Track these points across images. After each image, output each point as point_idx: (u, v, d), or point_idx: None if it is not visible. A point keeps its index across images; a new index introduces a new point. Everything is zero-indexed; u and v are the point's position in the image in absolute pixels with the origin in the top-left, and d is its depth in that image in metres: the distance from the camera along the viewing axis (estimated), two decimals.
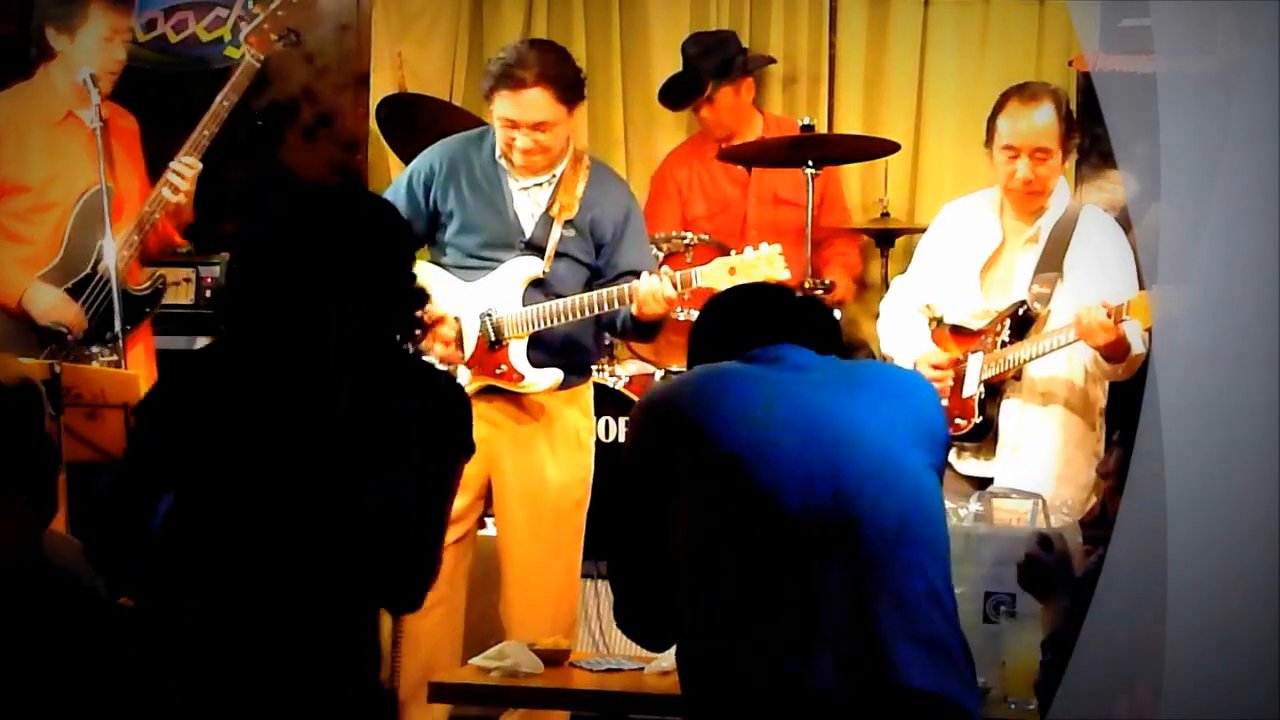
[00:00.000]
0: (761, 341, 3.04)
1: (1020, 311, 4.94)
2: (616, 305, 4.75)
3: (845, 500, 2.85)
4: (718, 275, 4.74)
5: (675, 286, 4.70)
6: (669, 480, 2.90)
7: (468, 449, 3.08)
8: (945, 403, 4.80)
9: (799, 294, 3.27)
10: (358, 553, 2.94)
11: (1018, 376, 4.95)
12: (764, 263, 4.74)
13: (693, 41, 6.54)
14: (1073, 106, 5.03)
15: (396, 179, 5.04)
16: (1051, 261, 4.95)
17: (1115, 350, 4.73)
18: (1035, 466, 4.87)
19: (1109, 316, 4.63)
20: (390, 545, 2.95)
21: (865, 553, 2.84)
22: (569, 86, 4.76)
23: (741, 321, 3.11)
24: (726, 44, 6.51)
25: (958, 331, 5.06)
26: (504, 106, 4.75)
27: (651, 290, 4.68)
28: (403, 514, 2.94)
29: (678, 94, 6.55)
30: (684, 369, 5.79)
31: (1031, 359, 4.89)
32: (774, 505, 2.84)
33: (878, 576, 2.84)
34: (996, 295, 5.03)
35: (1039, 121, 4.88)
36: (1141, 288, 4.77)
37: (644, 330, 4.93)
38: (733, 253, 4.87)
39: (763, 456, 2.85)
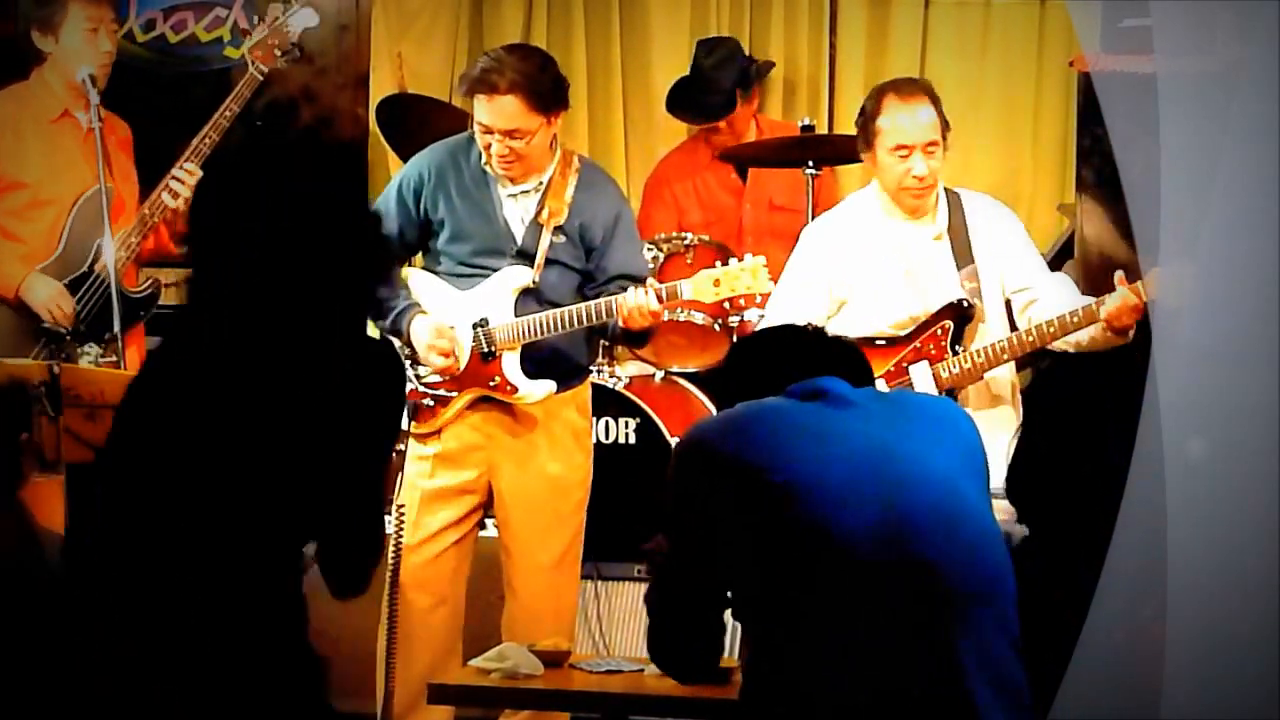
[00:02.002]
0: (797, 376, 3.01)
1: (960, 310, 4.87)
2: (604, 316, 4.74)
3: (911, 538, 2.83)
4: (703, 287, 4.73)
5: (660, 299, 4.69)
6: (716, 518, 2.87)
7: (393, 422, 3.03)
8: None
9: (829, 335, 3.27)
10: (291, 520, 2.91)
11: (980, 377, 4.88)
12: (748, 274, 4.73)
13: (705, 52, 6.48)
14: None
15: (387, 187, 5.03)
16: (964, 255, 4.92)
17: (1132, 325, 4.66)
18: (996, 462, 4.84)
19: (1135, 297, 4.58)
20: (331, 525, 2.93)
21: (936, 590, 2.82)
22: (545, 95, 4.70)
23: (776, 356, 3.09)
24: (735, 53, 6.46)
25: (875, 344, 4.90)
26: (480, 112, 4.73)
27: (637, 305, 4.68)
28: (341, 492, 2.92)
29: (702, 107, 6.49)
30: (684, 369, 5.90)
31: (1039, 345, 4.77)
32: (838, 544, 2.80)
33: (951, 614, 2.82)
34: (917, 300, 4.97)
35: (924, 118, 4.86)
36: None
37: (634, 339, 4.95)
38: (717, 264, 4.86)
39: (821, 493, 2.81)
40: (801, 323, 4.90)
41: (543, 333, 4.78)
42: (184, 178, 5.20)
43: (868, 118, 4.93)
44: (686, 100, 6.50)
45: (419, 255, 5.04)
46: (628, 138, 7.01)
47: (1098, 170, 5.55)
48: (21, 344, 5.14)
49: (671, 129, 6.84)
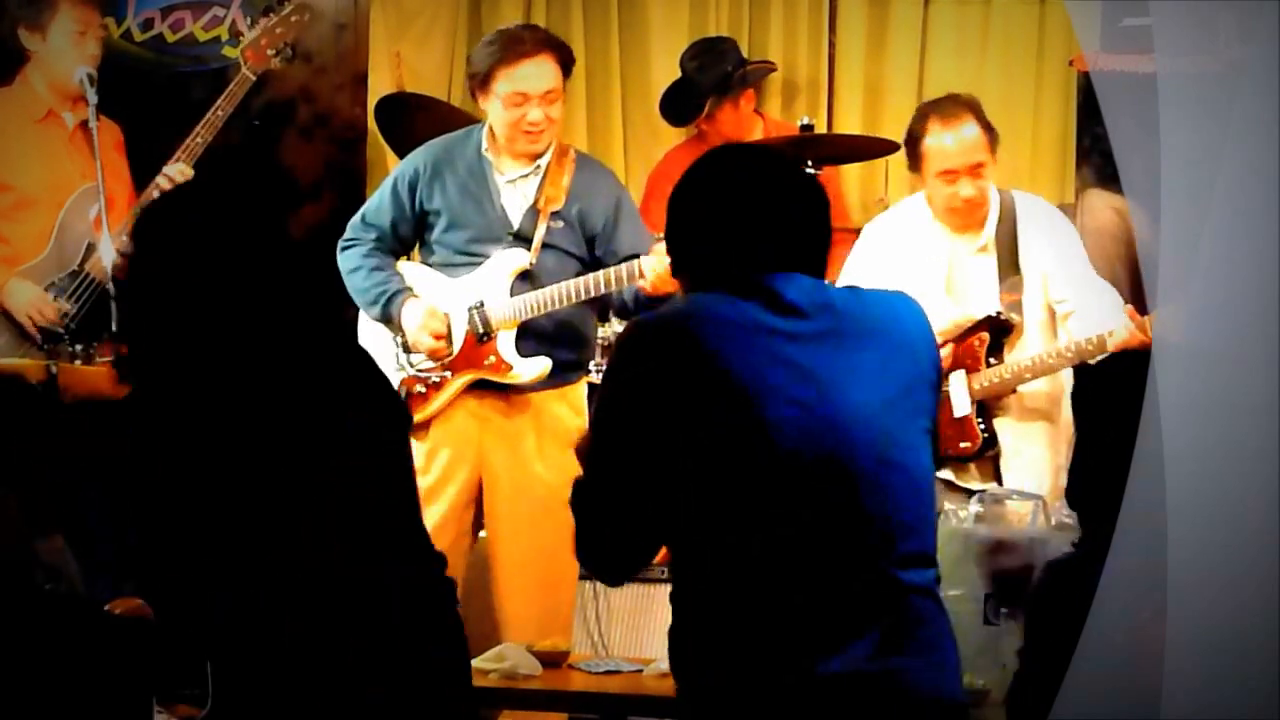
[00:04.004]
0: (752, 264, 2.91)
1: (997, 324, 4.88)
2: (625, 282, 4.70)
3: (840, 487, 2.81)
4: None
5: None
6: (655, 416, 2.83)
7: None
8: None
9: (787, 171, 3.10)
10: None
11: (1012, 390, 4.89)
12: None
13: (690, 54, 6.48)
14: (988, 114, 4.94)
15: (382, 184, 5.03)
16: (1009, 266, 4.91)
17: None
18: (1033, 475, 4.84)
19: (1141, 333, 4.57)
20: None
21: (858, 542, 2.81)
22: (567, 57, 4.82)
23: (731, 228, 2.99)
24: (724, 55, 6.45)
25: None
26: (512, 81, 4.74)
27: (665, 267, 4.63)
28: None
29: (678, 110, 6.50)
30: None
31: (1056, 369, 4.80)
32: (769, 473, 2.79)
33: (874, 555, 2.81)
34: (957, 309, 4.97)
35: (968, 139, 4.85)
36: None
37: (654, 307, 4.92)
38: None
39: (759, 429, 2.79)
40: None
41: (550, 306, 4.77)
42: (175, 176, 5.20)
43: (914, 140, 4.93)
44: (664, 102, 6.54)
45: (415, 250, 5.04)
46: (626, 137, 7.00)
47: (1097, 170, 5.55)
48: (14, 341, 5.14)
49: (669, 129, 6.84)
